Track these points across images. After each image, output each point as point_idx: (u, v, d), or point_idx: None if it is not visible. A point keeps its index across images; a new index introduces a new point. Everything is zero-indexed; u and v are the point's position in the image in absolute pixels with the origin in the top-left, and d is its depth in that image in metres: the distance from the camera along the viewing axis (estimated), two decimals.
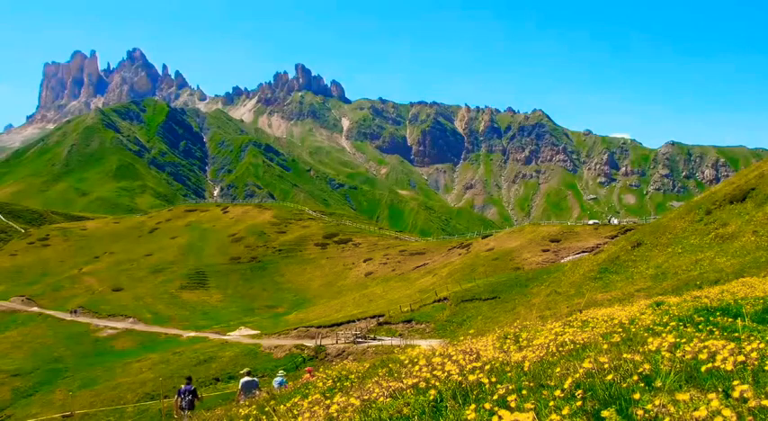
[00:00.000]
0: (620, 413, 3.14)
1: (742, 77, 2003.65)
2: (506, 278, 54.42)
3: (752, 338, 4.58)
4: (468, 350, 6.17)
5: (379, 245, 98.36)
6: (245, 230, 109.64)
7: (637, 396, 3.20)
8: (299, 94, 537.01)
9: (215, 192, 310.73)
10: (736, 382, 3.04)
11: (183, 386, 17.66)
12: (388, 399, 4.57)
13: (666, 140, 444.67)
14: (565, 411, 3.18)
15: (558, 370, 4.23)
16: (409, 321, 48.84)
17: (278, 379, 18.45)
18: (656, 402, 3.04)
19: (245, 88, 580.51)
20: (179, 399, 17.24)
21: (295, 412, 5.68)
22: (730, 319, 6.61)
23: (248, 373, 18.15)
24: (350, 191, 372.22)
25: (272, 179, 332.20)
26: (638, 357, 4.11)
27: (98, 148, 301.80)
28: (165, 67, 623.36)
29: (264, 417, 6.51)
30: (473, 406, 3.64)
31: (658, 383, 3.47)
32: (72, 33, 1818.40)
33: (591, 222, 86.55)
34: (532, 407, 3.33)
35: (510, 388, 3.93)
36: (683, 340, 4.45)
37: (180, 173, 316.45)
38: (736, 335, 5.21)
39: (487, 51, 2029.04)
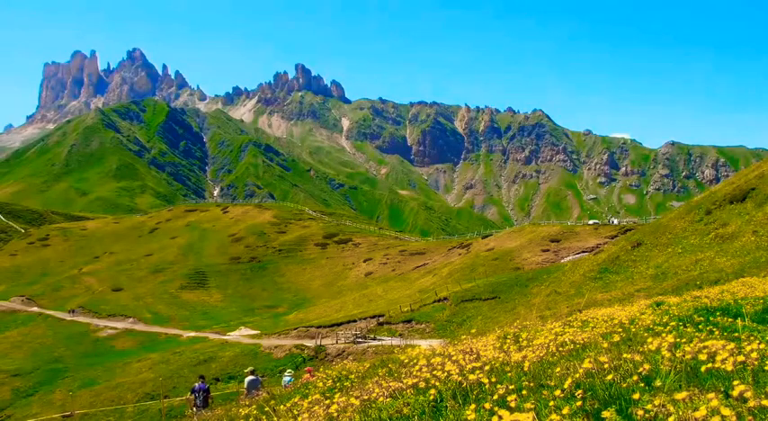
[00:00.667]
0: (620, 413, 3.14)
1: (742, 77, 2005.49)
2: (506, 278, 54.42)
3: (752, 338, 4.58)
4: (468, 350, 6.17)
5: (379, 245, 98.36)
6: (245, 230, 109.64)
7: (636, 396, 3.20)
8: (299, 94, 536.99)
9: (215, 192, 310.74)
10: (735, 382, 3.04)
11: (197, 384, 18.09)
12: (388, 399, 4.57)
13: (666, 140, 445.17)
14: (565, 411, 3.18)
15: (558, 370, 4.23)
16: (409, 321, 48.83)
17: (286, 377, 18.99)
18: (656, 402, 3.04)
19: (245, 88, 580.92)
20: (193, 397, 17.56)
21: (295, 412, 5.68)
22: (730, 319, 6.61)
23: (252, 372, 18.49)
24: (350, 191, 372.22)
25: (272, 179, 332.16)
26: (638, 357, 4.11)
27: (98, 148, 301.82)
28: (165, 67, 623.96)
29: (264, 417, 6.51)
30: (473, 406, 3.64)
31: (658, 383, 3.47)
32: (72, 33, 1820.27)
33: (591, 222, 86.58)
34: (532, 407, 3.33)
35: (510, 388, 3.93)
36: (683, 340, 4.45)
37: (180, 173, 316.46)
38: (736, 335, 5.21)
39: (487, 51, 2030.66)
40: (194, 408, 17.59)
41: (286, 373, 20.34)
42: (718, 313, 7.42)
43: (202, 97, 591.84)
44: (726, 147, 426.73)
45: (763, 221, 32.80)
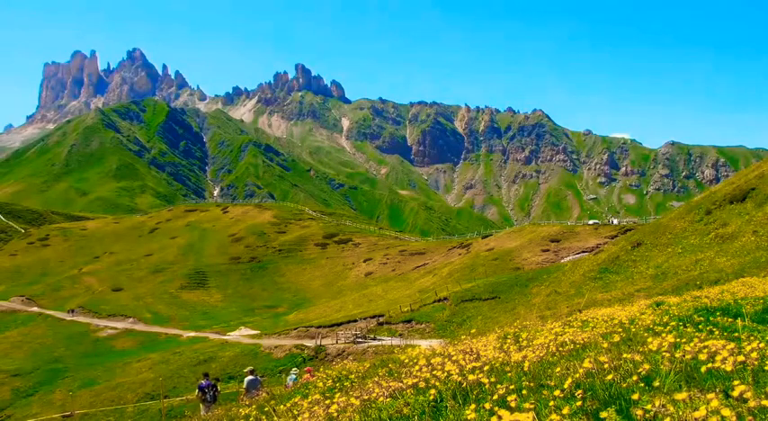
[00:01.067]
0: (620, 413, 3.14)
1: (742, 77, 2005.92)
2: (506, 278, 54.40)
3: (752, 338, 4.58)
4: (468, 350, 6.18)
5: (378, 245, 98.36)
6: (245, 230, 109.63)
7: (636, 396, 3.20)
8: (299, 94, 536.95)
9: (215, 192, 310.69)
10: (735, 382, 3.04)
11: (203, 382, 18.36)
12: (388, 399, 4.57)
13: (666, 140, 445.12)
14: (565, 411, 3.18)
15: (558, 370, 4.23)
16: (409, 321, 48.82)
17: (291, 376, 19.34)
18: (656, 402, 3.04)
19: (245, 88, 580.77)
20: (201, 394, 17.77)
21: (295, 412, 5.68)
22: (730, 319, 6.61)
23: (251, 372, 18.58)
24: (350, 191, 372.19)
25: (272, 179, 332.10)
26: (638, 357, 4.11)
27: (98, 148, 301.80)
28: (165, 67, 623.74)
29: (264, 417, 6.51)
30: (473, 406, 3.64)
31: (658, 383, 3.47)
32: (72, 33, 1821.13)
33: (591, 222, 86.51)
34: (532, 406, 3.33)
35: (510, 388, 3.93)
36: (683, 340, 4.45)
37: (180, 173, 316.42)
38: (736, 335, 5.21)
39: (487, 51, 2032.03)
40: (203, 404, 17.89)
41: (292, 371, 20.77)
42: (718, 313, 7.42)
43: (202, 97, 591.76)
44: (726, 147, 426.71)
45: (763, 221, 32.80)
